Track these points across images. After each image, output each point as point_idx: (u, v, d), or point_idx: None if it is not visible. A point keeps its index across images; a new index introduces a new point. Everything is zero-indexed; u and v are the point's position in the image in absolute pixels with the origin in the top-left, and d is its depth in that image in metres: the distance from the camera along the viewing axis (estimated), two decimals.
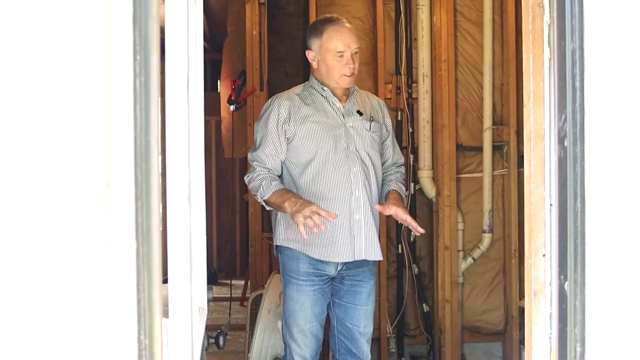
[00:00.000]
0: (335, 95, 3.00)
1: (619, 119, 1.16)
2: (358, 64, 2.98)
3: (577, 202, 1.20)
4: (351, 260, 2.94)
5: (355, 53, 2.96)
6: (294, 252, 2.95)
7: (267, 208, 2.98)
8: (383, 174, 3.13)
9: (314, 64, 3.01)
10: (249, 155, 3.02)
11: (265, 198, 2.90)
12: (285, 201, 2.82)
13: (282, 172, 3.00)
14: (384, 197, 3.07)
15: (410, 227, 2.91)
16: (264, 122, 2.96)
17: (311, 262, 2.94)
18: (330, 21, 2.99)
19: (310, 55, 3.01)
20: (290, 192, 2.89)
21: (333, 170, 2.91)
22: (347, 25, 2.98)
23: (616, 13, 1.16)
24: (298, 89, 3.06)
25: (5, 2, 0.74)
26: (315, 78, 3.03)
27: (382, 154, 3.13)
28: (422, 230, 2.91)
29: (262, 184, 2.90)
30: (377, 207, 2.93)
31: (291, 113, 2.92)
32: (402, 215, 2.87)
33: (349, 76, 2.95)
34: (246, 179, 3.00)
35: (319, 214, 2.67)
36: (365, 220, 2.93)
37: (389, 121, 3.19)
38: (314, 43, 2.99)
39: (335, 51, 2.92)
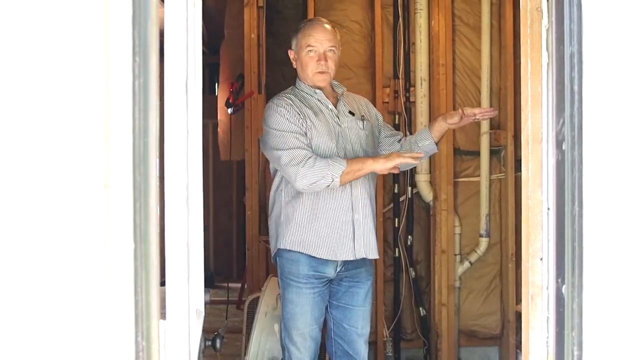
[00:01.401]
0: (327, 97, 3.00)
1: (617, 122, 1.16)
2: (333, 63, 2.95)
3: (575, 205, 1.20)
4: (352, 258, 2.95)
5: (331, 51, 2.93)
6: (294, 255, 2.94)
7: (339, 184, 2.82)
8: (406, 140, 3.15)
9: (294, 64, 3.02)
10: (285, 157, 2.82)
11: (345, 169, 2.78)
12: (368, 159, 2.86)
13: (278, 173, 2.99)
14: (426, 143, 3.08)
15: (487, 115, 3.04)
16: (279, 119, 2.87)
17: (311, 265, 2.93)
18: (309, 21, 3.06)
19: (291, 55, 3.03)
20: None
21: None
22: (326, 25, 2.97)
23: (615, 17, 1.16)
24: (288, 92, 3.03)
25: (4, 5, 0.74)
26: (302, 82, 3.01)
27: (384, 141, 3.16)
28: (495, 112, 3.11)
29: (329, 163, 2.79)
30: (444, 127, 3.01)
31: (298, 111, 2.90)
32: (468, 111, 2.95)
33: (321, 73, 2.93)
34: (301, 170, 2.78)
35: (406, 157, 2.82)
36: (364, 218, 2.95)
37: (378, 114, 3.22)
38: (293, 42, 3.01)
39: (306, 45, 2.91)
